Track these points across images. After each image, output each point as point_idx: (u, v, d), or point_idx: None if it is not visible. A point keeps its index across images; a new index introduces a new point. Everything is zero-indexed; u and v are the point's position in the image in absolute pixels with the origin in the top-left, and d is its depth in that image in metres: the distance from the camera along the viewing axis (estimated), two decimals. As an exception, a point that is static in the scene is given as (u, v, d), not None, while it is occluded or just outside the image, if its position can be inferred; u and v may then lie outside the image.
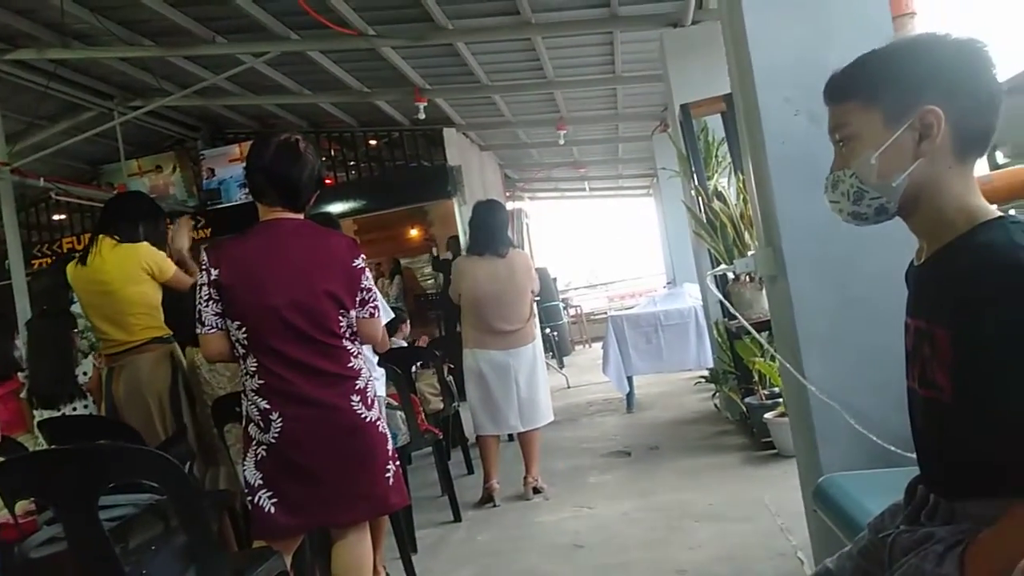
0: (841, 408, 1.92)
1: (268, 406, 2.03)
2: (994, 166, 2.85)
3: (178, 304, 2.98)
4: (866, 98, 1.11)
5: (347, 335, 2.12)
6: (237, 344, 2.06)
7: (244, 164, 2.21)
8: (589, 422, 5.90)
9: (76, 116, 6.94)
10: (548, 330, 9.79)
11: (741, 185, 4.12)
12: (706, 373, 5.66)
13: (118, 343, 3.02)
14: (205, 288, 2.06)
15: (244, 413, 2.11)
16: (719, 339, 5.01)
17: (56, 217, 8.87)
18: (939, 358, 1.06)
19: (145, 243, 3.06)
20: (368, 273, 2.20)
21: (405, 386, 3.69)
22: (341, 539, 2.15)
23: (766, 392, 4.24)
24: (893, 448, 1.78)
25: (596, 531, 3.31)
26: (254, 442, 2.06)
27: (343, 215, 8.50)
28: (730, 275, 3.91)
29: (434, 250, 9.91)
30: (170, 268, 3.07)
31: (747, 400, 4.37)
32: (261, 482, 2.04)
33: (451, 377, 4.84)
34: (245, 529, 2.75)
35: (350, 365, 2.10)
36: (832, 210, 1.20)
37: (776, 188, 2.05)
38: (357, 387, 2.09)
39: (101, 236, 3.07)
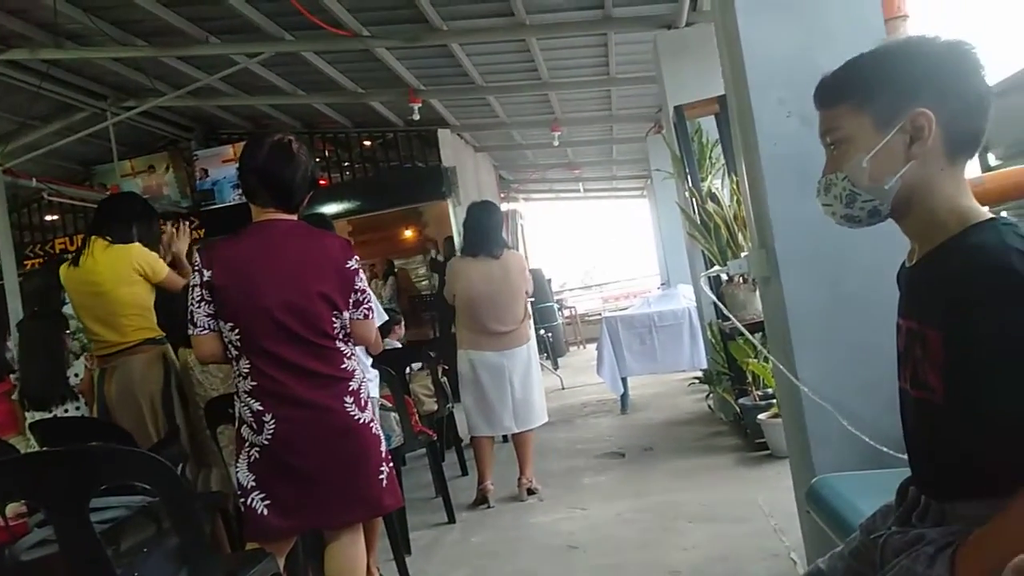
0: (834, 409, 1.92)
1: (261, 407, 2.02)
2: (986, 168, 2.87)
3: (170, 305, 2.97)
4: (857, 101, 1.11)
5: (340, 336, 2.11)
6: (230, 345, 2.06)
7: (237, 165, 2.21)
8: (583, 423, 5.90)
9: (69, 116, 6.91)
10: (543, 331, 9.79)
11: (735, 186, 4.14)
12: (700, 374, 5.67)
13: (110, 344, 3.01)
14: (198, 289, 2.05)
15: (237, 415, 2.10)
16: (713, 340, 5.01)
17: (48, 218, 8.83)
18: (931, 359, 1.06)
19: (137, 244, 3.05)
20: (362, 274, 2.20)
21: (399, 387, 3.68)
22: (334, 541, 2.15)
23: (759, 393, 4.25)
24: (885, 449, 1.78)
25: (590, 532, 3.31)
26: (247, 444, 2.06)
27: (337, 216, 8.49)
28: (723, 276, 3.92)
29: (432, 252, 9.91)
30: (163, 269, 3.06)
31: (741, 401, 4.38)
32: (254, 484, 2.03)
33: (445, 378, 4.84)
34: (238, 531, 2.74)
35: (343, 366, 2.10)
36: (825, 213, 1.21)
37: (769, 190, 2.06)
38: (350, 388, 2.09)
39: (93, 237, 3.06)
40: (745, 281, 3.76)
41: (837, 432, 1.92)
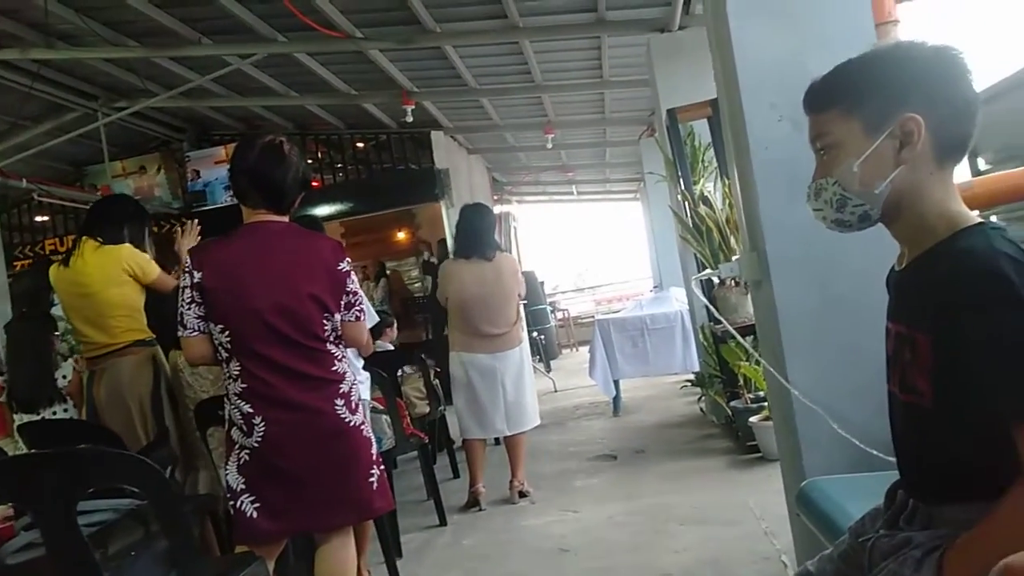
0: (824, 412, 1.92)
1: (251, 410, 2.01)
2: (976, 172, 2.89)
3: (160, 307, 2.95)
4: (846, 107, 1.12)
5: (331, 339, 2.10)
6: (220, 348, 2.05)
7: (228, 166, 2.20)
8: (576, 426, 5.90)
9: (60, 117, 6.87)
10: (535, 333, 9.78)
11: (727, 190, 4.15)
12: (692, 377, 5.68)
13: (99, 346, 2.99)
14: (188, 291, 2.04)
15: (227, 417, 2.09)
16: (705, 343, 5.03)
17: (38, 218, 8.77)
18: (919, 363, 1.07)
19: (128, 245, 3.04)
20: (353, 276, 2.19)
21: (391, 390, 3.67)
22: (324, 544, 2.14)
23: (751, 396, 4.26)
24: (875, 452, 1.79)
25: (582, 535, 3.31)
26: (237, 446, 2.05)
27: (330, 217, 8.47)
28: (715, 279, 3.93)
29: (426, 254, 9.90)
30: (153, 270, 3.04)
31: (732, 404, 4.39)
32: (244, 486, 2.02)
33: (437, 381, 4.83)
34: (228, 534, 2.73)
35: (334, 369, 2.09)
36: (815, 218, 1.21)
37: (760, 193, 2.06)
38: (341, 391, 2.08)
39: (84, 238, 3.05)
40: (737, 284, 3.77)
41: (827, 435, 1.92)
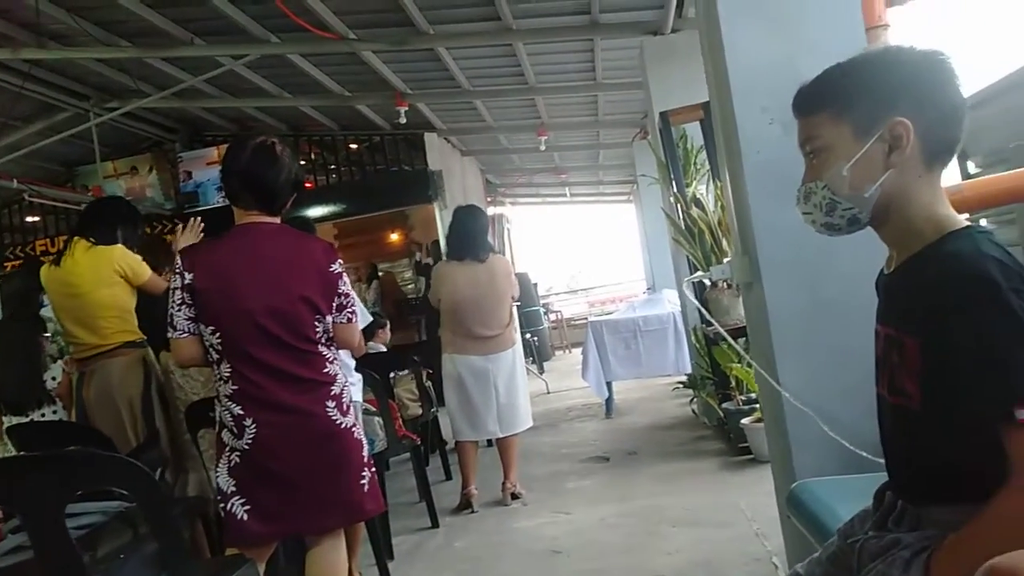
0: (815, 414, 1.93)
1: (242, 412, 2.00)
2: (966, 176, 2.91)
3: (152, 309, 2.94)
4: (836, 111, 1.12)
5: (323, 341, 2.10)
6: (211, 349, 2.04)
7: (220, 167, 2.19)
8: (568, 427, 5.90)
9: (51, 117, 6.84)
10: (529, 335, 9.78)
11: (719, 192, 4.16)
12: (684, 379, 5.69)
13: (89, 347, 2.98)
14: (178, 292, 2.03)
15: (217, 419, 2.08)
16: (697, 345, 5.04)
17: (29, 219, 8.72)
18: (908, 366, 1.07)
19: (120, 246, 3.03)
20: (345, 278, 2.19)
21: (383, 392, 3.67)
22: (315, 546, 2.13)
23: (743, 398, 4.27)
24: (865, 454, 1.79)
25: (574, 537, 3.31)
26: (227, 448, 2.04)
27: (323, 219, 8.46)
28: (707, 282, 3.94)
29: (417, 255, 9.89)
30: (145, 272, 3.04)
31: (724, 405, 4.40)
32: (234, 489, 2.02)
33: (430, 382, 4.82)
34: (219, 536, 2.72)
35: (325, 371, 2.09)
36: (805, 221, 1.21)
37: (751, 196, 2.07)
38: (332, 393, 2.08)
39: (76, 238, 3.04)
40: (729, 287, 3.78)
41: (818, 437, 1.93)
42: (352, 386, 2.81)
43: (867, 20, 2.02)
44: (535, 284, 11.80)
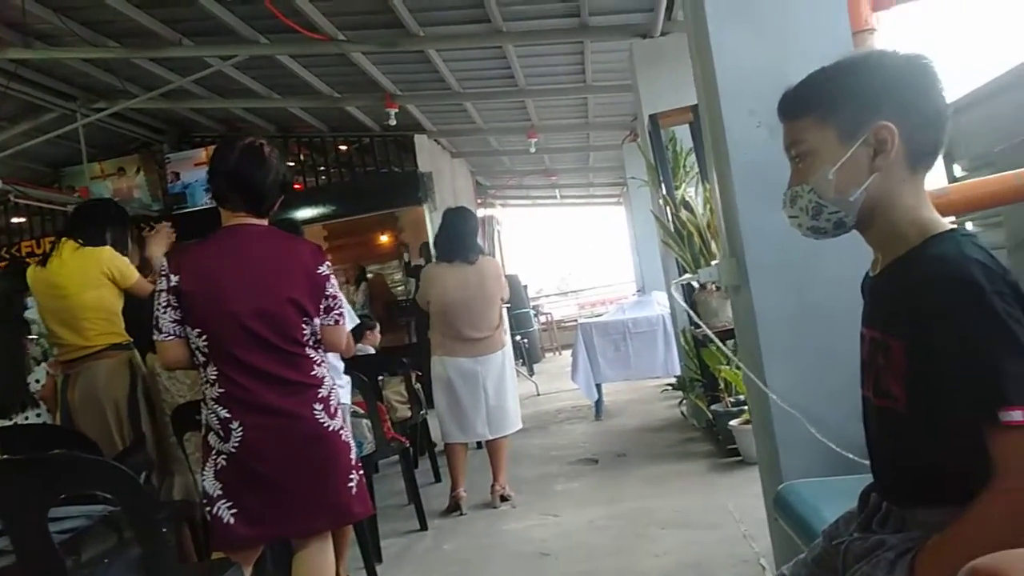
0: (802, 416, 1.94)
1: (228, 415, 1.99)
2: (952, 179, 2.93)
3: (138, 311, 2.92)
4: (821, 115, 1.13)
5: (310, 343, 2.09)
6: (197, 352, 2.02)
7: (207, 168, 2.18)
8: (558, 429, 5.90)
9: (37, 117, 6.79)
10: (519, 337, 9.78)
11: (707, 195, 4.18)
12: (673, 380, 5.71)
13: (74, 348, 2.95)
14: (164, 294, 2.02)
15: (203, 422, 2.07)
16: (686, 347, 5.05)
17: (15, 220, 8.65)
18: (893, 368, 1.08)
19: (108, 248, 3.01)
20: (333, 280, 2.18)
21: (371, 394, 3.65)
22: (302, 549, 2.12)
23: (732, 400, 4.29)
24: (851, 456, 1.80)
25: (562, 539, 3.31)
26: (214, 451, 2.03)
27: (312, 220, 8.44)
28: (695, 284, 3.96)
29: (405, 256, 9.87)
30: (132, 274, 3.01)
31: (713, 407, 4.41)
32: (220, 492, 2.00)
33: (419, 385, 4.81)
34: (205, 540, 2.70)
35: (313, 373, 2.08)
36: (791, 225, 1.22)
37: (739, 199, 2.08)
38: (320, 395, 2.07)
39: (64, 239, 3.02)
40: (718, 289, 3.79)
41: (805, 439, 1.94)
42: (340, 388, 2.80)
43: (853, 24, 2.04)
44: (525, 286, 11.80)
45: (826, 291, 1.98)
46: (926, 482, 1.07)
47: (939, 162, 1.26)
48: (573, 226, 19.10)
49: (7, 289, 3.47)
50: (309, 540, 2.11)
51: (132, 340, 3.03)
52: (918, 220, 1.11)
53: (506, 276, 4.35)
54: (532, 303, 12.53)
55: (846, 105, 1.11)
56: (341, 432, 2.11)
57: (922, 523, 1.06)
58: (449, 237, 4.04)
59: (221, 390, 2.00)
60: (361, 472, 2.17)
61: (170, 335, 2.02)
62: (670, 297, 5.43)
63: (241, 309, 1.99)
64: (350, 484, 2.10)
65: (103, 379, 2.91)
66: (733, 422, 4.02)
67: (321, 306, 2.11)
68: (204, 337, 2.00)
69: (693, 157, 4.72)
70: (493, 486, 4.00)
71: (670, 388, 5.79)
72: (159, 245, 3.17)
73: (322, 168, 8.83)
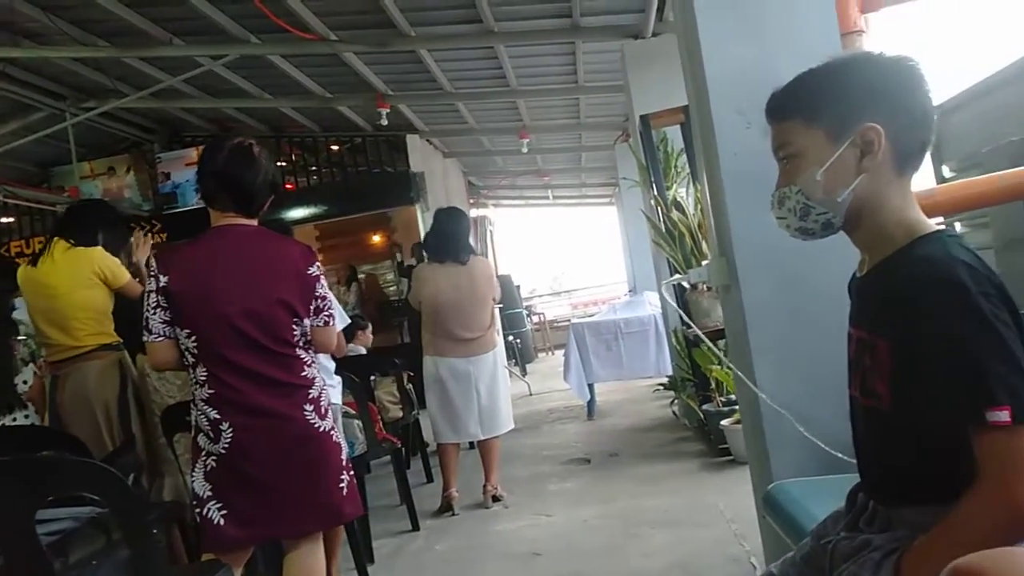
0: (791, 415, 1.95)
1: (218, 416, 1.98)
2: (940, 180, 2.95)
3: (128, 312, 2.91)
4: (808, 117, 1.13)
5: (300, 344, 2.08)
6: (186, 353, 2.02)
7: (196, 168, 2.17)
8: (550, 429, 5.91)
9: (26, 116, 6.74)
10: (511, 337, 9.78)
11: (698, 195, 4.19)
12: (665, 380, 5.72)
13: (63, 348, 2.93)
14: (153, 295, 2.01)
15: (193, 423, 2.06)
16: (678, 347, 5.06)
17: (4, 220, 8.59)
18: (879, 368, 1.08)
19: (99, 248, 3.00)
20: (323, 281, 2.17)
21: (363, 394, 3.65)
22: (293, 550, 2.11)
23: (723, 399, 4.30)
24: (840, 455, 1.81)
25: (554, 539, 3.31)
26: (203, 452, 2.02)
27: (304, 220, 8.41)
28: (686, 284, 3.97)
29: (398, 256, 9.86)
30: (123, 276, 3.00)
31: (705, 407, 4.42)
32: (210, 493, 2.00)
33: (411, 385, 4.81)
34: (196, 542, 2.69)
35: (303, 374, 2.07)
36: (779, 226, 1.22)
37: (729, 199, 2.08)
38: (310, 396, 2.06)
39: (56, 239, 3.01)
40: (709, 289, 3.80)
41: (794, 438, 1.94)
42: (331, 388, 2.80)
43: (842, 26, 2.05)
44: (518, 286, 11.81)
45: (816, 291, 1.99)
46: (911, 481, 1.07)
47: (928, 163, 1.27)
48: (565, 226, 19.15)
49: (-5, 289, 3.45)
50: (300, 541, 2.11)
51: (122, 341, 3.02)
52: (905, 221, 1.11)
53: (499, 276, 4.36)
54: (525, 303, 12.55)
55: (833, 107, 1.12)
56: (332, 433, 2.11)
57: (908, 522, 1.07)
58: (441, 237, 4.04)
59: (211, 391, 1.99)
60: (352, 473, 2.16)
61: (159, 336, 2.01)
62: (661, 297, 5.45)
63: (230, 310, 1.98)
64: (341, 485, 2.09)
65: (93, 380, 2.90)
66: (724, 422, 4.03)
67: (311, 307, 2.10)
68: (193, 338, 1.99)
69: (684, 158, 4.73)
70: (485, 486, 4.00)
71: (662, 388, 5.80)
72: (141, 252, 3.18)
73: (314, 168, 8.81)
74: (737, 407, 3.95)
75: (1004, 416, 0.92)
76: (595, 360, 5.87)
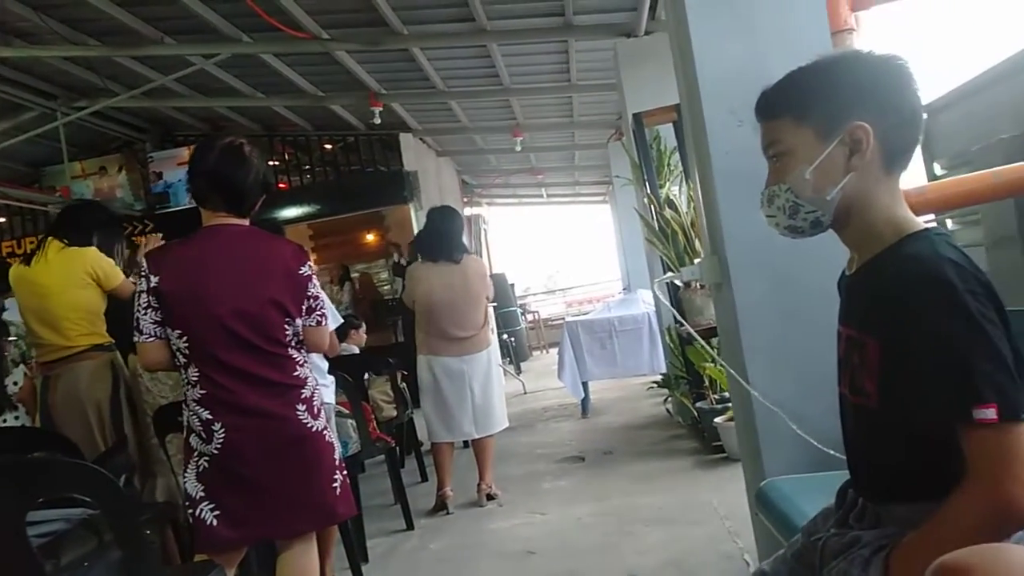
0: (783, 413, 1.95)
1: (210, 416, 1.98)
2: (932, 177, 2.96)
3: (121, 312, 2.90)
4: (797, 115, 1.14)
5: (292, 343, 2.08)
6: (178, 353, 2.01)
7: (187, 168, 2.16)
8: (544, 427, 5.91)
9: (17, 116, 6.71)
10: (506, 336, 9.78)
11: (691, 193, 4.19)
12: (659, 378, 5.73)
13: (55, 348, 2.92)
14: (144, 295, 2.00)
15: (185, 423, 2.05)
16: (671, 344, 5.07)
17: (-6, 220, 8.56)
18: (867, 366, 1.09)
19: (93, 248, 3.00)
20: (315, 280, 2.17)
21: (356, 394, 3.64)
22: (286, 551, 2.11)
23: (716, 397, 4.31)
24: (832, 452, 1.82)
25: (549, 537, 3.32)
26: (195, 453, 2.01)
27: (297, 220, 8.39)
28: (678, 282, 3.97)
29: (395, 255, 9.84)
30: (117, 276, 2.99)
31: (698, 405, 4.44)
32: (203, 494, 1.99)
33: (404, 384, 4.81)
34: (189, 542, 2.68)
35: (295, 374, 2.07)
36: (768, 224, 1.23)
37: (721, 197, 2.09)
38: (303, 396, 2.06)
39: (50, 238, 3.00)
40: (703, 287, 3.81)
41: (787, 435, 1.95)
42: (324, 388, 2.80)
43: (833, 24, 2.05)
44: (512, 285, 11.80)
45: (807, 289, 1.99)
46: (900, 478, 1.08)
47: (919, 160, 1.28)
48: (560, 225, 19.16)
49: (-16, 290, 3.43)
50: (293, 541, 2.11)
51: (114, 341, 3.01)
52: (893, 219, 1.12)
53: (493, 275, 4.36)
54: (519, 302, 12.55)
55: (822, 105, 1.12)
56: (324, 432, 2.11)
57: (897, 519, 1.08)
58: (434, 236, 4.04)
59: (202, 391, 1.99)
60: (345, 472, 2.16)
61: (150, 336, 2.00)
62: (655, 295, 5.46)
63: (222, 310, 1.97)
64: (334, 484, 2.09)
65: (85, 380, 2.89)
66: (718, 419, 4.04)
67: (303, 306, 2.10)
68: (185, 338, 1.98)
69: (677, 156, 4.73)
70: (479, 485, 4.00)
71: (656, 386, 5.81)
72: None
73: (307, 167, 8.79)
74: (730, 404, 3.97)
75: (991, 414, 0.93)
76: (589, 358, 5.88)
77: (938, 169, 2.97)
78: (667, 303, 3.18)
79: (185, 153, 7.95)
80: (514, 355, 10.17)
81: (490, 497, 3.98)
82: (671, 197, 4.53)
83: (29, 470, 1.56)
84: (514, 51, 6.18)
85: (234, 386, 1.98)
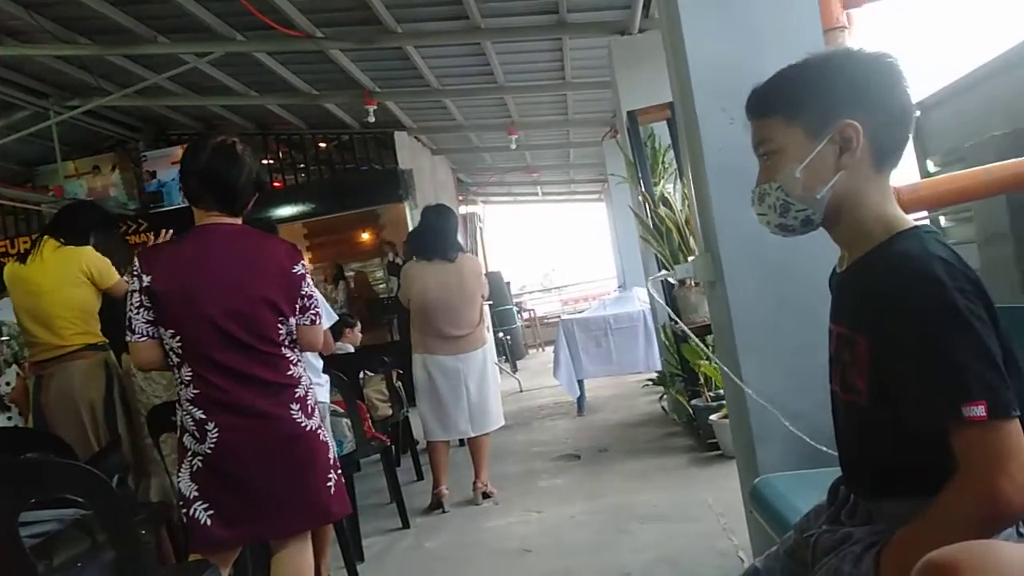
0: (777, 410, 1.96)
1: (204, 416, 1.97)
2: (925, 174, 2.97)
3: (114, 312, 2.89)
4: (787, 114, 1.14)
5: (286, 343, 2.07)
6: (171, 353, 2.00)
7: (179, 167, 2.16)
8: (540, 426, 5.92)
9: (9, 115, 6.69)
10: (501, 334, 9.78)
11: (685, 191, 4.20)
12: (654, 376, 5.74)
13: (49, 347, 2.92)
14: (136, 295, 1.99)
15: (179, 423, 2.05)
16: (666, 342, 5.08)
17: (-12, 219, 8.53)
18: (858, 363, 1.09)
19: (89, 247, 3.00)
20: (309, 279, 2.16)
21: (351, 393, 3.64)
22: (281, 550, 2.11)
23: (712, 394, 4.32)
24: (826, 449, 1.83)
25: (544, 535, 3.32)
26: (189, 453, 2.01)
27: (292, 218, 8.38)
28: (672, 280, 3.98)
29: (390, 254, 9.84)
30: (112, 276, 2.99)
31: (693, 402, 4.44)
32: (197, 494, 1.99)
33: (400, 383, 4.80)
34: (184, 542, 2.68)
35: (289, 373, 2.06)
36: (759, 222, 1.23)
37: (714, 195, 2.09)
38: (297, 395, 2.05)
39: (46, 237, 2.99)
40: (697, 284, 3.82)
41: (780, 432, 1.96)
42: (319, 387, 2.79)
43: (825, 22, 2.05)
44: (508, 283, 11.81)
45: (800, 286, 2.00)
46: (890, 475, 1.08)
47: (912, 157, 1.28)
48: (555, 223, 19.14)
49: (-24, 290, 3.42)
50: (288, 540, 2.10)
51: (107, 341, 3.00)
52: (883, 217, 1.12)
53: (488, 273, 4.35)
54: (515, 300, 12.55)
55: (812, 103, 1.12)
56: (319, 431, 2.10)
57: (888, 515, 1.08)
58: (429, 234, 4.03)
59: (196, 391, 1.98)
60: (340, 471, 2.16)
61: (143, 336, 1.99)
62: (649, 293, 5.46)
63: (215, 310, 1.97)
64: (328, 484, 2.09)
65: (78, 380, 2.88)
66: (713, 416, 4.05)
67: (297, 305, 2.09)
68: (178, 338, 1.98)
69: (671, 154, 4.73)
70: (475, 483, 4.01)
71: (651, 383, 5.81)
72: None
73: (301, 166, 8.78)
74: (725, 402, 3.97)
75: (980, 411, 0.93)
76: (585, 356, 5.88)
77: (931, 166, 2.98)
78: (660, 301, 3.18)
79: (179, 152, 7.90)
80: (510, 353, 10.18)
81: (486, 495, 3.98)
82: (665, 195, 4.54)
83: (22, 471, 1.55)
84: (508, 49, 6.18)
85: (228, 386, 1.97)
